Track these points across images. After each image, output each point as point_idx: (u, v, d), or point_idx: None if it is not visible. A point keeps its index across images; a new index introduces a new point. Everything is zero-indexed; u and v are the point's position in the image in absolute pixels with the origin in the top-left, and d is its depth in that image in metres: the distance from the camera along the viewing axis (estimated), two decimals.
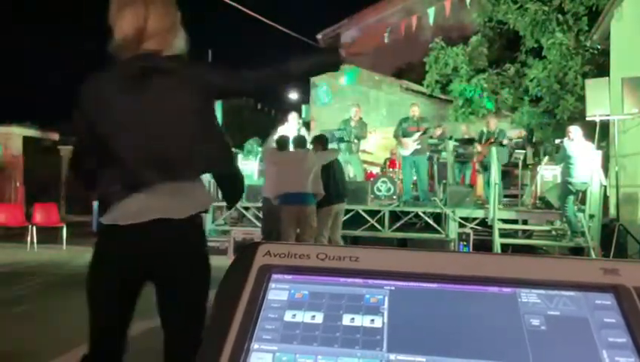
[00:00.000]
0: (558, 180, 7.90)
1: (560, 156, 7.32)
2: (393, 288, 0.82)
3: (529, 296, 0.79)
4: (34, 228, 8.81)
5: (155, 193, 1.56)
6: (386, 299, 0.81)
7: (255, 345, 0.75)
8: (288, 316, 0.79)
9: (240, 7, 13.64)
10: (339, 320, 0.78)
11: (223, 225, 8.87)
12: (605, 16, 9.08)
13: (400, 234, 8.08)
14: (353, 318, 0.78)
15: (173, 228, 1.57)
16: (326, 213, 6.13)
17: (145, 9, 1.57)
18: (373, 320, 0.77)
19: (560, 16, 10.71)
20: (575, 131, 7.34)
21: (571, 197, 7.19)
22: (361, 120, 9.25)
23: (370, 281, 0.83)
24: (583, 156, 7.09)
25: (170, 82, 1.57)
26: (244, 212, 8.84)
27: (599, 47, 10.04)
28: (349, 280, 0.83)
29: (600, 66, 9.88)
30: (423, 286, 0.82)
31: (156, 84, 1.56)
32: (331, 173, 6.14)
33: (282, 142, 6.42)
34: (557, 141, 8.26)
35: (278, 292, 0.82)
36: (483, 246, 7.73)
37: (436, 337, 0.75)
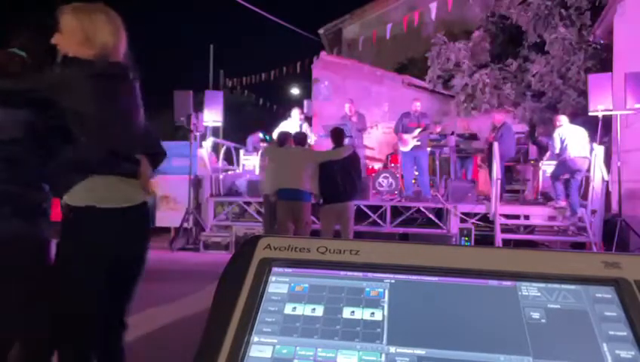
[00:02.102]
0: None
1: (555, 144, 7.34)
2: (393, 281, 0.82)
3: (529, 289, 0.79)
4: None
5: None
6: (386, 292, 0.81)
7: (255, 338, 0.75)
8: (288, 309, 0.79)
9: (241, 1, 13.62)
10: (339, 313, 0.78)
11: (225, 220, 8.89)
12: (608, 11, 9.04)
13: (401, 230, 8.07)
14: (353, 311, 0.78)
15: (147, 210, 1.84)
16: (328, 211, 6.04)
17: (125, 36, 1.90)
18: (373, 313, 0.77)
19: (563, 10, 10.64)
20: (562, 119, 7.50)
21: (566, 171, 7.25)
22: (358, 113, 9.19)
23: (370, 274, 0.83)
24: (575, 135, 7.20)
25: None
26: (245, 207, 8.85)
27: (602, 42, 10.00)
28: (349, 273, 0.83)
29: (603, 61, 9.84)
30: (423, 280, 0.82)
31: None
32: (331, 171, 5.86)
33: (282, 138, 6.41)
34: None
35: (278, 285, 0.82)
36: (485, 241, 7.72)
37: (436, 330, 0.75)
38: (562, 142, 7.22)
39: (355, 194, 6.18)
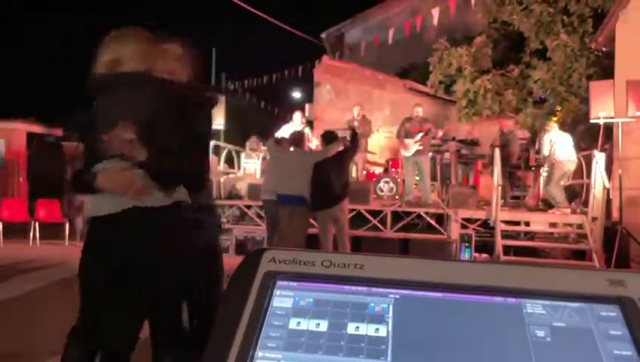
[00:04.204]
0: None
1: (545, 147, 7.73)
2: (398, 296, 0.82)
3: (534, 307, 0.79)
4: (37, 224, 8.84)
5: None
6: (391, 307, 0.80)
7: (259, 353, 0.75)
8: (293, 323, 0.79)
9: (244, 5, 13.65)
10: (343, 329, 0.78)
11: (225, 223, 8.88)
12: (610, 18, 9.04)
13: (402, 235, 8.07)
14: (358, 327, 0.78)
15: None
16: (325, 216, 6.01)
17: None
18: (377, 329, 0.77)
19: (565, 17, 10.65)
20: (552, 125, 7.98)
21: (557, 175, 7.65)
22: (365, 117, 9.28)
23: (375, 289, 0.83)
24: (562, 139, 7.70)
25: None
26: (245, 210, 8.85)
27: (604, 49, 10.00)
28: (354, 288, 0.83)
29: (605, 69, 9.83)
30: (427, 296, 0.82)
31: None
32: (324, 177, 5.81)
33: (278, 141, 6.50)
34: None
35: (282, 299, 0.82)
36: (485, 247, 7.71)
37: (440, 347, 0.74)
38: (552, 146, 7.62)
39: (347, 193, 6.18)
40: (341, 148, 6.14)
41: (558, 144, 7.61)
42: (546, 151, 7.72)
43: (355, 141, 6.37)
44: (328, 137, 6.26)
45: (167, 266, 1.75)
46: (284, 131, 8.33)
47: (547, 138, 7.74)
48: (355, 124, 9.03)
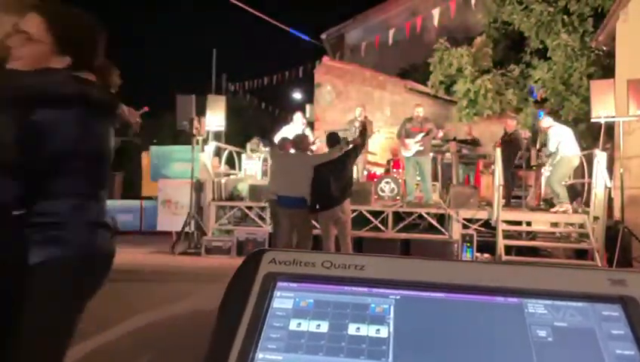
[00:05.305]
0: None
1: (552, 142, 7.59)
2: (399, 297, 0.82)
3: (536, 307, 0.78)
4: None
5: None
6: (392, 308, 0.80)
7: (260, 354, 0.74)
8: (293, 325, 0.78)
9: (244, 6, 13.67)
10: (344, 330, 0.77)
11: (227, 224, 8.88)
12: (611, 17, 9.04)
13: (403, 235, 8.05)
14: (359, 328, 0.77)
15: None
16: (325, 217, 6.00)
17: None
18: (378, 330, 0.77)
19: (565, 17, 10.65)
20: (549, 120, 7.90)
21: (564, 170, 7.62)
22: (366, 118, 9.28)
23: (376, 290, 0.83)
24: (567, 134, 7.57)
25: None
26: (247, 211, 8.85)
27: (604, 48, 10.00)
28: (355, 288, 0.83)
29: (605, 68, 9.83)
30: (428, 296, 0.81)
31: None
32: (324, 178, 5.81)
33: (280, 144, 6.52)
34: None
35: (283, 300, 0.82)
36: (487, 247, 7.70)
37: (442, 347, 0.74)
38: (558, 141, 7.48)
39: (348, 193, 6.17)
40: (343, 152, 6.15)
41: (564, 138, 7.48)
42: (552, 147, 7.53)
43: (363, 136, 6.42)
44: (332, 140, 6.28)
45: None
46: (285, 132, 8.33)
47: (552, 132, 7.58)
48: (357, 124, 9.02)
